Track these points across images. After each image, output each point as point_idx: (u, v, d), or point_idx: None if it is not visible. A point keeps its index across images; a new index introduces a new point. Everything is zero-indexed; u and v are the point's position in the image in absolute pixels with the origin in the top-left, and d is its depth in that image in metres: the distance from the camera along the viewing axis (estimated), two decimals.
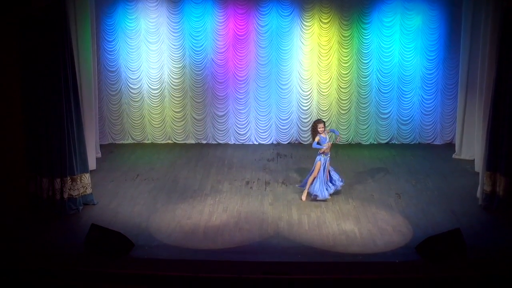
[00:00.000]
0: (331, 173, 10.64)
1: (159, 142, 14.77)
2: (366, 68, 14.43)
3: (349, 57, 14.38)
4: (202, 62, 14.42)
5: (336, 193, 10.79)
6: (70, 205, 10.02)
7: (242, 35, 14.32)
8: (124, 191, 11.16)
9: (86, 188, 10.30)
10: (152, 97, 14.59)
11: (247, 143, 14.82)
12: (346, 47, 14.33)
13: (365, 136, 14.80)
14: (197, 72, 14.47)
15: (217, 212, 10.12)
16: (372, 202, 10.59)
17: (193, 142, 14.80)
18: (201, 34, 14.28)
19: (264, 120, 14.79)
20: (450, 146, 14.13)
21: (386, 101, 14.59)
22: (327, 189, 10.53)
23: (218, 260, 8.29)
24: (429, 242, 8.42)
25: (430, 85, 14.50)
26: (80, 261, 8.12)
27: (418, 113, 14.65)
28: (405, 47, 14.32)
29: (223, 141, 14.81)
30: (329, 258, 8.42)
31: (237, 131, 14.84)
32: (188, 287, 7.43)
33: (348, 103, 14.62)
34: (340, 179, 10.75)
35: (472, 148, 12.77)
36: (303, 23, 14.24)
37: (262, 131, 14.85)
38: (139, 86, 14.52)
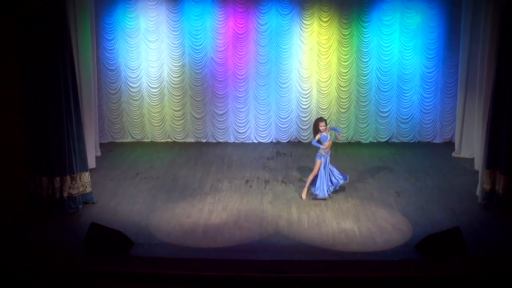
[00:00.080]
0: (333, 172, 10.64)
1: (159, 141, 14.77)
2: (366, 67, 14.44)
3: (348, 55, 14.39)
4: (202, 61, 14.42)
5: (336, 191, 10.80)
6: (69, 203, 10.03)
7: (241, 34, 14.32)
8: (123, 190, 11.16)
9: (86, 186, 10.31)
10: (152, 96, 14.59)
11: (246, 141, 14.83)
12: (345, 45, 14.34)
13: (365, 135, 14.81)
14: (196, 71, 14.47)
15: (216, 211, 10.12)
16: (371, 201, 10.59)
17: (192, 140, 14.80)
18: (200, 32, 14.28)
19: (264, 119, 14.80)
20: (449, 145, 14.14)
21: (386, 100, 14.60)
22: (327, 188, 10.54)
23: (217, 259, 8.29)
24: (429, 240, 8.42)
25: (430, 84, 14.51)
26: (79, 259, 8.12)
27: (418, 111, 14.66)
28: (404, 46, 14.33)
29: (223, 140, 14.81)
30: (328, 257, 8.42)
31: (237, 129, 14.84)
32: (187, 286, 7.43)
33: (348, 101, 14.63)
34: (343, 177, 10.74)
35: (471, 146, 12.77)
36: (302, 22, 14.24)
37: (261, 129, 14.86)
38: (139, 85, 14.53)
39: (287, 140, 14.87)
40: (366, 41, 14.29)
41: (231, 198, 10.73)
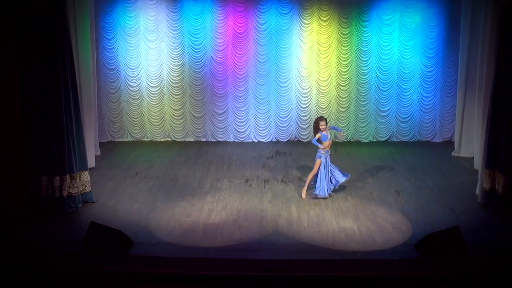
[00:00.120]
0: (333, 171, 10.65)
1: (158, 140, 14.77)
2: (365, 66, 14.43)
3: (348, 54, 14.38)
4: (201, 60, 14.41)
5: (336, 191, 10.80)
6: (69, 203, 10.03)
7: (241, 33, 14.31)
8: (123, 189, 11.16)
9: (85, 186, 10.31)
10: (151, 95, 14.59)
11: (246, 141, 14.82)
12: (345, 44, 14.33)
13: (364, 134, 14.81)
14: (196, 70, 14.47)
15: (216, 210, 10.13)
16: (371, 200, 10.60)
17: (192, 140, 14.80)
18: (200, 32, 14.28)
19: (263, 118, 14.79)
20: (449, 144, 14.13)
21: (385, 99, 14.60)
22: (328, 187, 10.55)
23: (217, 258, 8.29)
24: (428, 239, 8.43)
25: (429, 83, 14.51)
26: (79, 258, 8.12)
27: (417, 110, 14.65)
28: (404, 45, 14.32)
29: (222, 139, 14.81)
30: (328, 256, 8.43)
31: (236, 129, 14.84)
32: (187, 285, 7.44)
33: (347, 100, 14.62)
34: (344, 175, 10.74)
35: (471, 145, 12.77)
36: (302, 21, 14.23)
37: (261, 128, 14.85)
38: (138, 84, 14.52)
39: (286, 139, 14.86)
40: (366, 40, 14.28)
41: (231, 197, 10.74)
